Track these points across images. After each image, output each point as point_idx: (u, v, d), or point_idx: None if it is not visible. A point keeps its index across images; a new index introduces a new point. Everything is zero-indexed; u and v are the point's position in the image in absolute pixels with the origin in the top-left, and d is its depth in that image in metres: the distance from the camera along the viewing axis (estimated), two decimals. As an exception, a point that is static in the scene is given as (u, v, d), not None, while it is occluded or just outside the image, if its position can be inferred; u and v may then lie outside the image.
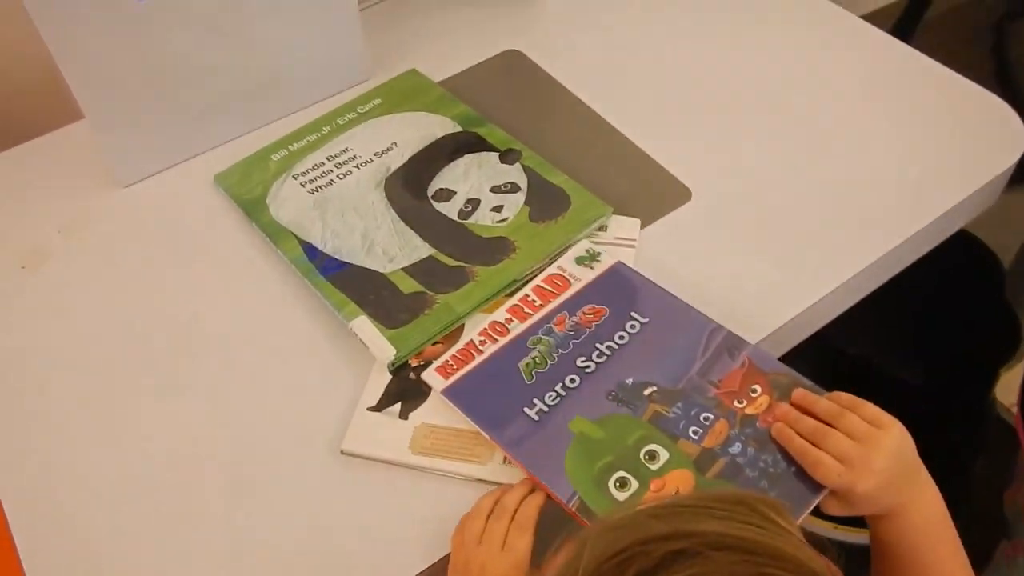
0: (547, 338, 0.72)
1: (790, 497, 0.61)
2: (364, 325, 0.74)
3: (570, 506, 0.62)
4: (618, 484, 0.62)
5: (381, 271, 0.78)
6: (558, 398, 0.68)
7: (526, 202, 0.83)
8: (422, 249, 0.80)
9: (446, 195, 0.84)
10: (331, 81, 0.96)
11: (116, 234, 0.86)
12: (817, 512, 0.62)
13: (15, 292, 0.82)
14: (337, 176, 0.87)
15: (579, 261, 0.78)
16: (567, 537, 0.48)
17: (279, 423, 0.71)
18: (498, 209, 0.82)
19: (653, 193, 0.85)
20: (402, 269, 0.78)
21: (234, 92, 0.89)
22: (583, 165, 0.86)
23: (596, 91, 0.95)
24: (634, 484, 0.62)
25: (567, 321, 0.73)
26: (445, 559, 0.63)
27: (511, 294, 0.76)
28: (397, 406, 0.70)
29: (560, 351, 0.71)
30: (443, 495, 0.66)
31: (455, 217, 0.82)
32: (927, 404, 1.07)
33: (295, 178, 0.87)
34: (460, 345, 0.73)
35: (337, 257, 0.80)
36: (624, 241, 0.81)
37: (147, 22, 0.80)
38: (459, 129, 0.90)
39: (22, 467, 0.70)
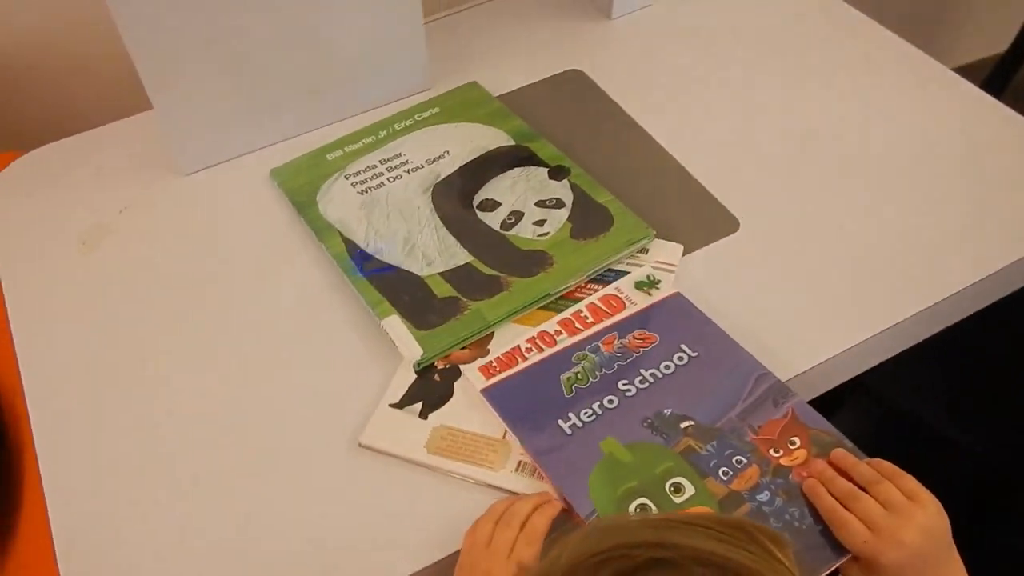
0: (593, 355, 0.72)
1: (811, 555, 0.60)
2: (395, 324, 0.75)
3: (587, 522, 0.62)
4: (638, 510, 0.62)
5: (418, 273, 0.79)
6: (594, 416, 0.68)
7: (569, 218, 0.83)
8: (461, 256, 0.81)
9: (491, 205, 0.85)
10: (393, 87, 0.98)
11: (172, 218, 0.89)
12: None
13: (74, 266, 0.85)
14: (388, 179, 0.89)
15: (638, 286, 0.78)
16: (558, 536, 0.48)
17: (304, 410, 0.73)
18: (540, 223, 0.83)
19: (700, 221, 0.85)
20: (439, 273, 0.79)
21: (298, 91, 0.92)
22: (632, 186, 0.87)
23: (654, 116, 0.95)
24: (654, 512, 0.62)
25: (616, 342, 0.73)
26: (449, 559, 0.63)
27: (545, 307, 0.77)
28: (418, 405, 0.71)
29: (604, 370, 0.71)
30: (454, 497, 0.66)
31: (497, 228, 0.83)
32: (990, 473, 1.03)
33: (347, 178, 0.89)
34: (506, 349, 0.73)
35: (378, 257, 0.81)
36: (664, 265, 0.80)
37: (222, 11, 0.83)
38: (512, 143, 0.91)
39: (62, 430, 0.73)
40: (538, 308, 0.77)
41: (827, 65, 1.01)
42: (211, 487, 0.69)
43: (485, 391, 0.71)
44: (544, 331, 0.75)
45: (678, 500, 0.63)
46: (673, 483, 0.63)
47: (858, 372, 0.78)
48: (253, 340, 0.78)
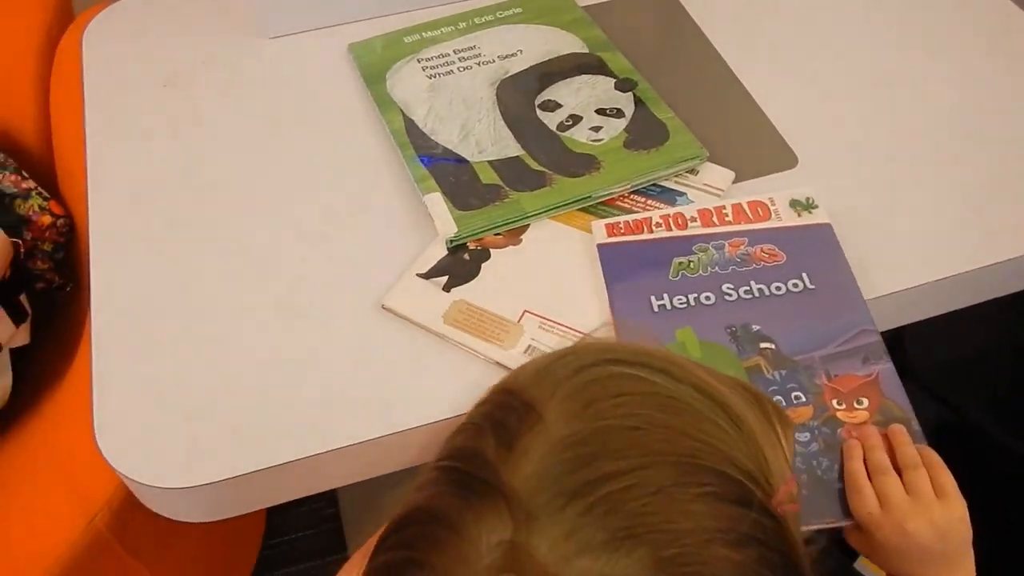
0: (714, 251, 0.73)
1: (818, 505, 0.61)
2: (436, 201, 0.77)
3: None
4: None
5: (468, 158, 0.81)
6: (686, 304, 0.69)
7: (626, 128, 0.84)
8: (512, 148, 0.82)
9: (552, 106, 0.86)
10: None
11: (251, 76, 0.93)
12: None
13: (154, 107, 0.90)
14: (458, 68, 0.90)
15: (793, 204, 0.76)
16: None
17: (340, 269, 0.76)
18: (596, 129, 0.84)
19: (758, 151, 0.84)
20: (488, 161, 0.81)
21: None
22: (695, 105, 0.86)
23: (730, 40, 0.94)
24: None
25: (742, 247, 0.73)
26: (449, 420, 0.66)
27: (587, 210, 0.78)
28: (443, 279, 0.73)
29: (717, 268, 0.72)
30: (463, 368, 0.69)
31: (554, 128, 0.84)
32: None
33: (419, 61, 0.91)
34: (639, 216, 0.75)
35: (432, 137, 0.83)
36: (711, 189, 0.80)
37: None
38: (586, 51, 0.92)
39: (117, 264, 0.78)
40: (579, 209, 0.78)
41: (912, 10, 0.98)
42: (243, 329, 0.73)
43: (601, 246, 0.73)
44: (680, 213, 0.75)
45: None
46: None
47: (893, 326, 0.77)
48: (306, 199, 0.81)
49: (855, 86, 0.90)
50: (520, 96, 0.87)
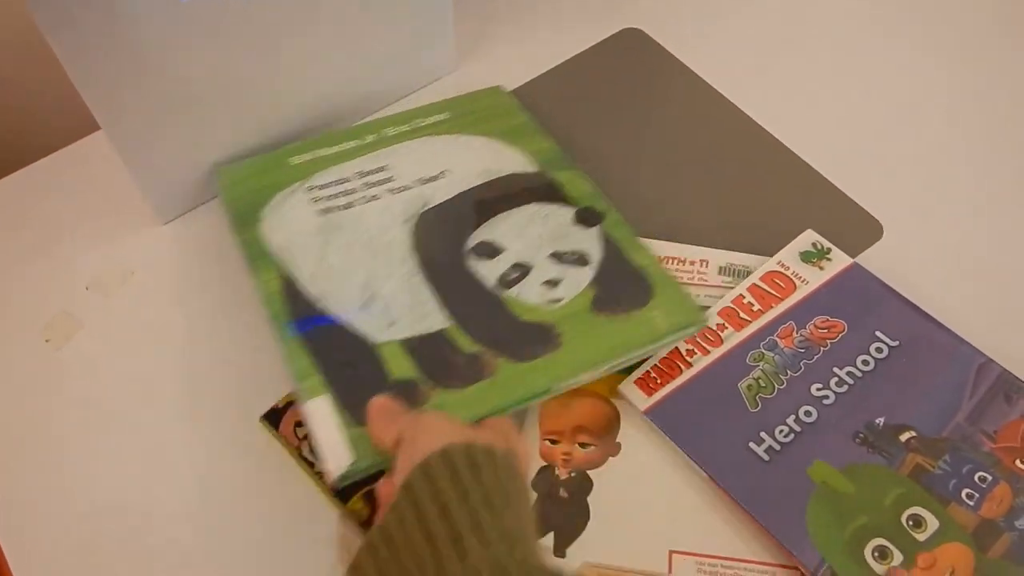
0: (771, 354, 0.60)
1: None
2: (321, 410, 0.53)
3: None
4: (877, 555, 0.52)
5: (372, 339, 0.57)
6: (791, 434, 0.57)
7: (593, 282, 0.60)
8: (435, 318, 0.58)
9: (490, 251, 0.63)
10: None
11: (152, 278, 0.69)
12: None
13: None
14: (361, 198, 0.67)
15: (805, 258, 0.65)
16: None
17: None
18: (553, 284, 0.60)
19: (832, 225, 0.68)
20: (400, 341, 0.57)
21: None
22: (724, 175, 0.70)
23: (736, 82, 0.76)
24: (897, 556, 0.51)
25: (795, 335, 0.61)
26: None
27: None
28: (549, 538, 0.53)
29: (789, 372, 0.59)
30: None
31: (493, 283, 0.60)
32: None
33: (309, 190, 0.67)
34: (663, 354, 0.60)
35: (321, 304, 0.59)
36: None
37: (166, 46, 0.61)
38: (534, 169, 0.69)
39: None
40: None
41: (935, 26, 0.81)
42: None
43: (649, 412, 0.58)
44: (706, 327, 0.62)
45: (921, 537, 0.52)
46: (911, 515, 0.53)
47: None
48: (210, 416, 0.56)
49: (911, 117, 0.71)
50: (446, 237, 0.64)
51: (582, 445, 0.58)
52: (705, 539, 0.54)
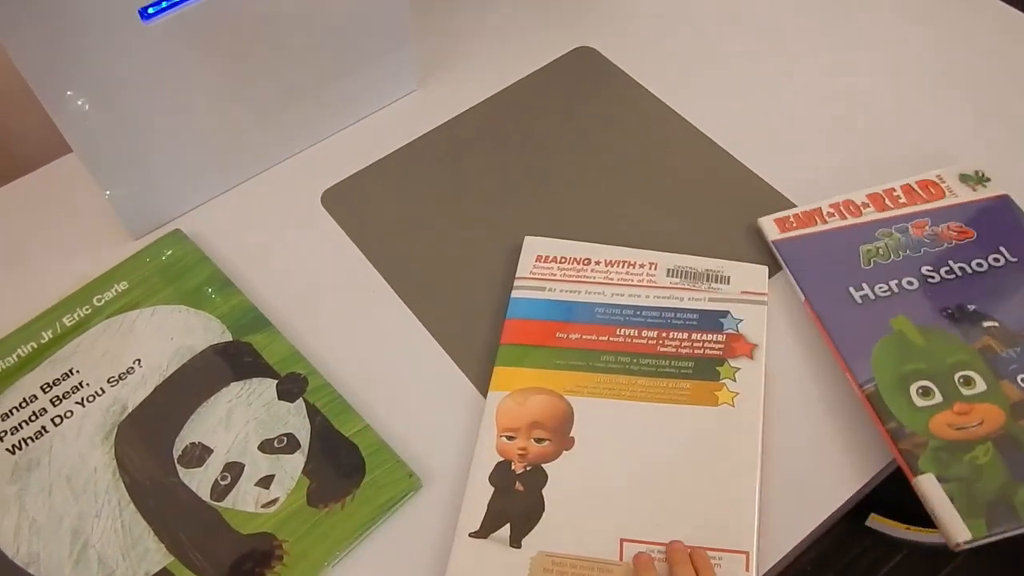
0: (899, 235, 0.69)
1: None
2: None
3: (863, 389, 0.60)
4: (921, 391, 0.60)
5: (90, 600, 0.56)
6: (889, 292, 0.65)
7: (305, 469, 0.61)
8: (155, 556, 0.57)
9: (198, 456, 0.62)
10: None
11: None
12: (889, 513, 0.62)
13: None
14: (53, 419, 0.64)
15: (964, 179, 0.72)
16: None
17: None
18: (266, 483, 0.61)
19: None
20: (123, 595, 0.56)
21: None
22: (678, 188, 0.75)
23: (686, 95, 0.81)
24: (938, 397, 0.59)
25: (927, 228, 0.69)
26: None
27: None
28: (505, 530, 0.57)
29: (908, 252, 0.67)
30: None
31: (208, 496, 0.60)
32: None
33: (-8, 426, 0.63)
34: (808, 208, 0.71)
35: (32, 570, 0.57)
36: (751, 297, 0.67)
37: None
38: (228, 338, 0.68)
39: None
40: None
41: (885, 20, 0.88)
42: None
43: (778, 243, 0.69)
44: (850, 200, 0.71)
45: (967, 392, 0.59)
46: (963, 375, 0.60)
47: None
48: None
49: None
50: (152, 449, 0.61)
51: (537, 440, 0.60)
52: (655, 528, 0.57)
